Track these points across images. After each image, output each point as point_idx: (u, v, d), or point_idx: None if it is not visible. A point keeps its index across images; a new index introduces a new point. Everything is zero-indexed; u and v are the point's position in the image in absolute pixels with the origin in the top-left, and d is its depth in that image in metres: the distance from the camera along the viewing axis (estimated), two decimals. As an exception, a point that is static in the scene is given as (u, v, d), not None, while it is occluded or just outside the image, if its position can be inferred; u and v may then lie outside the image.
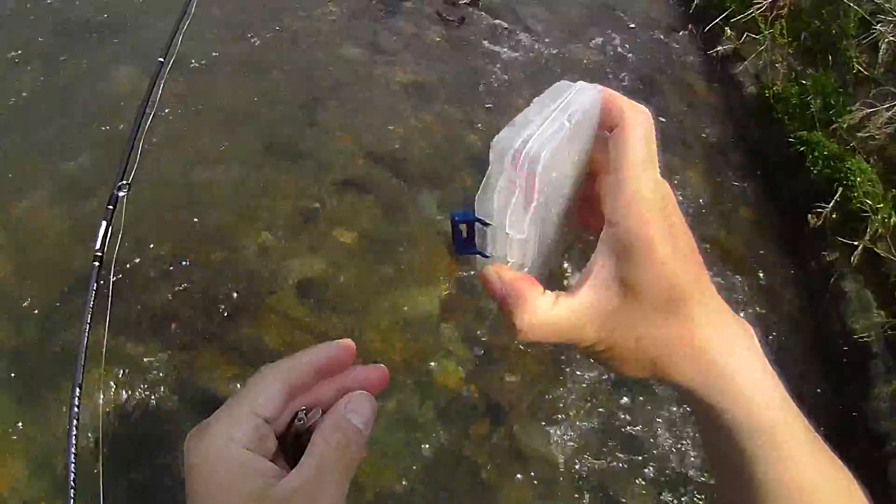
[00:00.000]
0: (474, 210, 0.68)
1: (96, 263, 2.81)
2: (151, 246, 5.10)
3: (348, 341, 0.82)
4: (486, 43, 7.82)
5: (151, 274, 4.96)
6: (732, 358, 0.67)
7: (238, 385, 4.45)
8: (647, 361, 0.68)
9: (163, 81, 3.26)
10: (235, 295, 4.98)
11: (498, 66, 7.58)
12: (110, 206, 2.92)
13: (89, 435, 3.88)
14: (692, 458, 4.74)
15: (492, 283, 0.69)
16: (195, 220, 5.33)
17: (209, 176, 5.65)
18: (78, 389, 2.65)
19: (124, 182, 2.93)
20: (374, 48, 7.39)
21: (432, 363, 4.85)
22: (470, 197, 0.66)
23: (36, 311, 4.67)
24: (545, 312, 0.67)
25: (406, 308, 5.10)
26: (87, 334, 2.69)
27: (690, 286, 0.67)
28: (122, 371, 4.43)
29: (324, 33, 7.44)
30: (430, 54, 7.51)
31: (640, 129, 0.68)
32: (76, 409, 2.61)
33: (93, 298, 2.76)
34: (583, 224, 0.80)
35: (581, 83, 0.72)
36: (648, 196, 0.65)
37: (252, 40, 7.11)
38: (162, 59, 3.35)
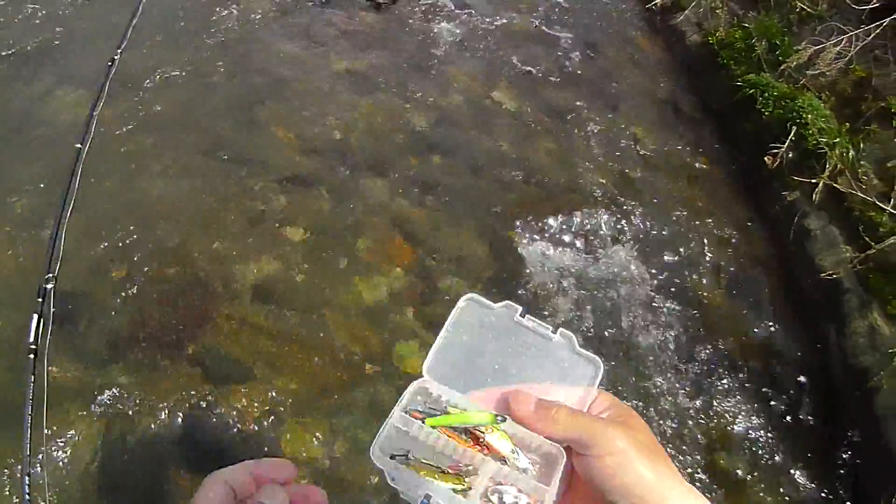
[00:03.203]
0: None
1: (31, 356, 2.73)
2: (106, 268, 4.94)
3: (288, 464, 0.95)
4: (420, 22, 7.70)
5: (109, 297, 4.80)
6: None
7: (207, 400, 4.35)
8: None
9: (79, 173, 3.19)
10: (194, 308, 4.82)
11: (434, 43, 7.47)
12: (40, 300, 2.84)
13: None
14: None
15: None
16: (147, 237, 5.16)
17: (156, 190, 5.48)
18: (27, 478, 2.55)
19: (50, 275, 2.86)
20: (309, 41, 7.24)
21: (398, 350, 4.72)
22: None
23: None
24: None
25: (364, 297, 4.97)
26: (28, 426, 2.58)
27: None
28: (89, 402, 4.26)
29: (257, 32, 7.26)
30: (366, 40, 7.37)
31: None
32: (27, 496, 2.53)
33: (31, 391, 2.66)
34: None
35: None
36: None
37: (186, 47, 6.92)
38: (80, 146, 3.29)
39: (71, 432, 4.09)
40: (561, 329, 0.94)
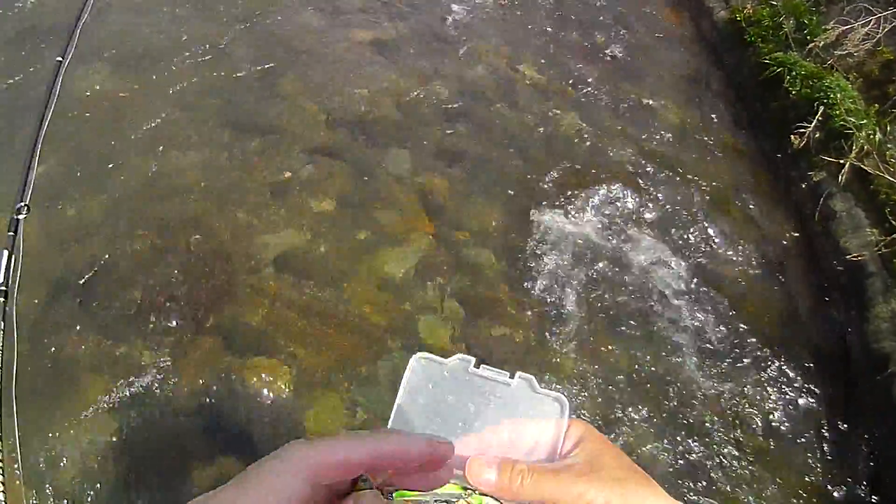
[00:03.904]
0: None
1: (1, 299, 2.46)
2: (128, 241, 4.94)
3: (442, 446, 0.74)
4: (446, -8, 7.64)
5: (130, 270, 4.80)
6: None
7: (228, 372, 4.34)
8: None
9: (58, 87, 2.96)
10: (216, 279, 4.82)
11: (460, 14, 7.43)
12: (11, 233, 2.55)
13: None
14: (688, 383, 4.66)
15: None
16: (169, 208, 5.17)
17: (178, 162, 5.48)
18: None
19: (24, 204, 2.61)
20: (332, 11, 7.20)
21: (419, 323, 4.71)
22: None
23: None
24: None
25: (387, 270, 4.97)
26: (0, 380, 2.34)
27: None
28: (112, 375, 4.27)
29: (280, 4, 7.22)
30: (389, 10, 7.33)
31: None
32: None
33: (1, 336, 2.41)
34: None
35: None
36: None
37: (209, 21, 6.90)
38: (60, 59, 3.06)
39: (91, 405, 4.11)
40: (519, 373, 0.91)
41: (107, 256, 4.82)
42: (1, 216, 4.79)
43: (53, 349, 4.31)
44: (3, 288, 2.47)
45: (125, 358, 4.36)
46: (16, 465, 3.34)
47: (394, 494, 0.86)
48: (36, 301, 4.55)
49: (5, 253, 2.50)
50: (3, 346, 2.39)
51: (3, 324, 2.42)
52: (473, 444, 0.87)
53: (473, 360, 0.91)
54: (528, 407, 0.91)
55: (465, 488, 0.87)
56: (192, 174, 5.42)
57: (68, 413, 4.04)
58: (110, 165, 5.34)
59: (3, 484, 2.31)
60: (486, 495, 0.84)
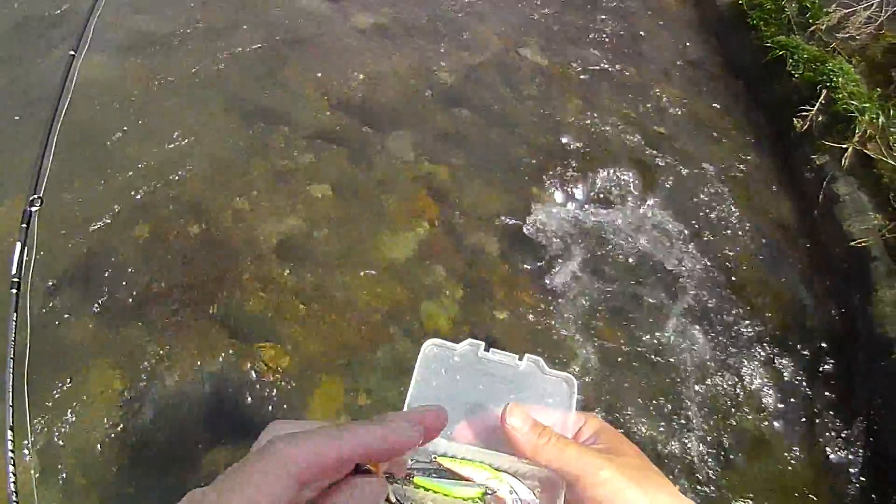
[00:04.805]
0: None
1: (14, 291, 2.44)
2: (129, 228, 4.92)
3: (397, 434, 0.67)
4: (446, -25, 7.59)
5: (131, 255, 4.78)
6: None
7: (229, 358, 4.33)
8: None
9: (73, 81, 2.93)
10: (218, 266, 4.80)
11: (459, -2, 7.39)
12: (24, 225, 2.55)
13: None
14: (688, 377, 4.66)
15: None
16: (169, 195, 5.14)
17: (178, 149, 5.44)
18: (10, 432, 2.31)
19: (36, 196, 2.59)
20: (331, -5, 7.17)
21: (421, 308, 4.70)
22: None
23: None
24: None
25: (388, 254, 4.95)
26: (10, 371, 2.33)
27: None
28: (111, 362, 4.25)
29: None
30: (390, -6, 7.29)
31: None
32: (10, 453, 2.32)
33: (14, 329, 2.40)
34: None
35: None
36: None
37: (205, 6, 6.86)
38: (73, 52, 3.03)
39: (93, 392, 4.10)
40: (527, 355, 0.96)
41: (108, 244, 4.79)
42: (10, 206, 4.91)
43: (56, 337, 4.30)
44: (17, 279, 2.46)
45: (127, 345, 4.34)
46: (26, 450, 3.32)
47: (413, 480, 0.84)
48: (37, 289, 4.53)
49: (18, 245, 2.49)
50: (16, 336, 2.37)
51: (16, 315, 2.41)
52: (485, 426, 0.91)
53: (483, 344, 0.97)
54: (538, 387, 0.95)
55: (486, 492, 0.85)
56: (192, 161, 5.39)
57: (71, 400, 4.03)
58: (110, 152, 5.31)
59: (14, 475, 2.32)
60: (506, 472, 0.86)
